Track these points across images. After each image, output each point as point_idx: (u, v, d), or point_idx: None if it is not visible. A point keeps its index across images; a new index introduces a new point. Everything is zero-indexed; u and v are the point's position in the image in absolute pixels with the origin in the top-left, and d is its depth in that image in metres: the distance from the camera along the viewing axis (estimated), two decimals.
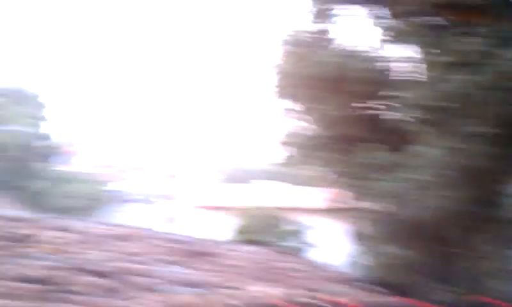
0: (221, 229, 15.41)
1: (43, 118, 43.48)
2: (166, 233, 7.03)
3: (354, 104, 6.08)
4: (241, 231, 13.93)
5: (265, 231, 14.29)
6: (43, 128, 43.38)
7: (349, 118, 6.37)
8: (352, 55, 6.07)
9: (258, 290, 3.54)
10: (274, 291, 3.48)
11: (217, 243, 7.13)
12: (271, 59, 8.14)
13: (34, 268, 2.67)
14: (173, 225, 30.20)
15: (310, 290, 3.78)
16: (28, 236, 3.42)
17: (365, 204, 7.42)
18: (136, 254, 3.75)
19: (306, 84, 7.00)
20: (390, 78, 5.74)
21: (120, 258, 3.41)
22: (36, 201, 35.04)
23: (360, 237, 8.18)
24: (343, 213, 7.48)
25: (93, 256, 3.33)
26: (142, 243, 4.49)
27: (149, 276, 3.13)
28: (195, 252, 4.68)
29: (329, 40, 6.91)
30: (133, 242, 4.49)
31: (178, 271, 3.54)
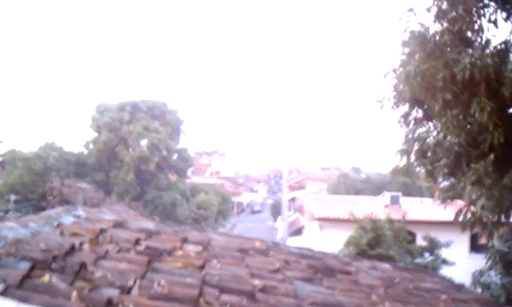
0: (345, 243, 15.05)
1: (180, 132, 46.49)
2: (295, 248, 6.95)
3: (504, 109, 5.53)
4: (369, 245, 13.47)
5: (396, 246, 13.67)
6: (180, 142, 46.40)
7: (492, 124, 5.82)
8: (503, 56, 5.54)
9: None
10: None
11: (347, 258, 6.90)
12: (386, 62, 7.76)
13: (179, 285, 2.67)
14: (298, 238, 30.30)
15: None
16: (171, 250, 3.48)
17: (500, 219, 6.72)
18: (273, 270, 3.68)
19: (437, 87, 6.54)
20: None
21: (262, 275, 3.34)
22: (167, 212, 37.33)
23: (495, 256, 7.46)
24: (474, 228, 6.81)
25: (235, 271, 3.29)
26: (275, 258, 4.43)
27: (295, 296, 3.01)
28: (328, 269, 4.52)
29: (469, 41, 6.40)
30: (267, 256, 4.45)
31: (320, 291, 3.39)
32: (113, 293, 2.27)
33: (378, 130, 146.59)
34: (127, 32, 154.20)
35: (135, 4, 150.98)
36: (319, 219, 21.57)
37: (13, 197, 31.45)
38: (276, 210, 56.42)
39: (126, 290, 2.39)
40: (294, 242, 21.41)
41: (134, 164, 39.90)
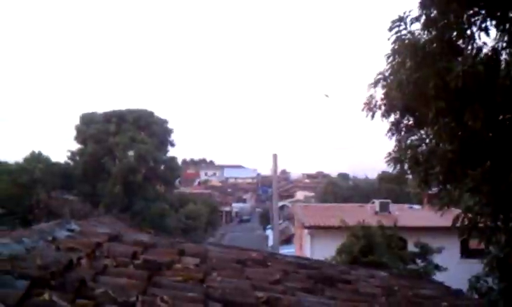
0: (337, 250, 15.02)
1: (169, 143, 46.31)
2: (291, 257, 6.89)
3: (497, 116, 5.53)
4: (361, 252, 13.44)
5: (389, 253, 13.66)
6: (168, 151, 46.18)
7: (486, 131, 5.83)
8: (495, 63, 5.56)
9: None
10: None
11: (343, 267, 6.86)
12: (374, 70, 7.76)
13: (182, 300, 2.60)
14: (289, 246, 30.22)
15: None
16: (169, 263, 3.40)
17: (497, 224, 6.75)
18: (274, 281, 3.62)
19: (429, 95, 6.55)
20: None
21: (263, 287, 3.27)
22: (156, 222, 37.06)
23: (492, 262, 7.47)
24: (466, 233, 6.81)
25: (236, 284, 3.23)
26: (274, 268, 4.37)
27: None
28: (327, 279, 4.47)
29: (459, 48, 6.43)
30: (266, 267, 4.38)
31: (323, 302, 3.33)
32: None
33: (364, 136, 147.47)
34: (113, 39, 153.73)
35: (120, 11, 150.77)
36: (310, 227, 21.53)
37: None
38: (264, 219, 56.34)
39: (128, 306, 2.32)
40: (285, 251, 21.33)
41: (121, 175, 39.58)
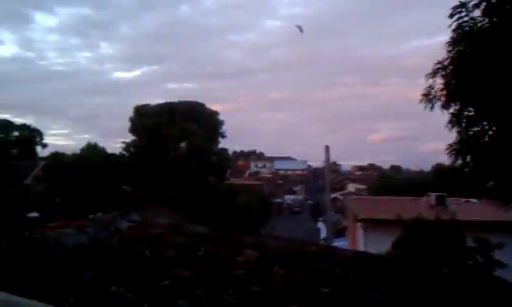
0: (392, 244, 14.67)
1: (220, 134, 46.79)
2: (348, 251, 6.74)
3: None
4: (418, 247, 13.04)
5: (447, 248, 13.19)
6: (219, 143, 46.69)
7: None
8: None
9: None
10: None
11: (399, 261, 6.65)
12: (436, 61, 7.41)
13: (247, 294, 2.53)
14: (341, 239, 29.89)
15: None
16: (230, 255, 3.34)
17: None
18: (336, 276, 3.50)
19: (490, 85, 6.22)
20: None
21: (327, 282, 3.17)
22: (208, 214, 37.50)
23: None
24: None
25: (299, 278, 3.14)
26: (334, 262, 4.25)
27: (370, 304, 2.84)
28: (387, 272, 4.31)
29: None
30: (325, 261, 4.27)
31: (386, 298, 3.20)
32: (183, 303, 2.15)
33: (417, 128, 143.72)
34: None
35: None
36: (364, 220, 21.14)
37: (58, 200, 32.22)
38: (315, 211, 55.93)
39: (195, 300, 2.27)
40: (338, 244, 21.06)
41: (173, 166, 40.23)
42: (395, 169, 77.73)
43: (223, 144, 47.32)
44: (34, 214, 27.00)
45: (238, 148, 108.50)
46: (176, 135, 42.16)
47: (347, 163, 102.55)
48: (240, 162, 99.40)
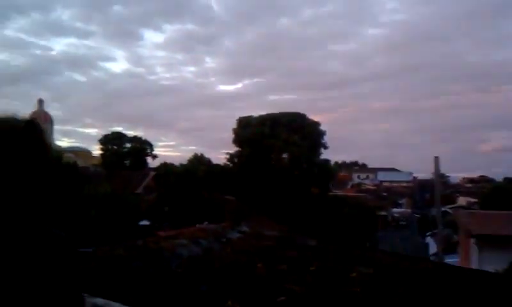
0: (507, 263, 13.54)
1: (322, 145, 46.59)
2: (465, 269, 6.26)
3: None
4: None
5: None
6: (321, 154, 46.44)
7: None
8: None
9: None
10: None
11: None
12: None
13: None
14: (453, 256, 28.23)
15: None
16: (343, 271, 3.17)
17: None
18: (459, 297, 3.20)
19: None
20: None
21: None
22: (312, 225, 37.26)
23: None
24: None
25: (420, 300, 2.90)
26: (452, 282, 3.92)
27: None
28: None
29: None
30: (444, 281, 3.95)
31: None
32: None
33: None
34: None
35: None
36: (478, 236, 19.75)
37: (166, 208, 33.75)
38: (422, 225, 53.38)
39: None
40: (449, 261, 19.86)
41: (275, 177, 40.54)
42: (510, 181, 72.14)
43: (324, 155, 46.84)
44: (145, 222, 28.44)
45: (340, 159, 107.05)
46: (278, 146, 42.54)
47: (455, 174, 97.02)
48: (342, 173, 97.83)
